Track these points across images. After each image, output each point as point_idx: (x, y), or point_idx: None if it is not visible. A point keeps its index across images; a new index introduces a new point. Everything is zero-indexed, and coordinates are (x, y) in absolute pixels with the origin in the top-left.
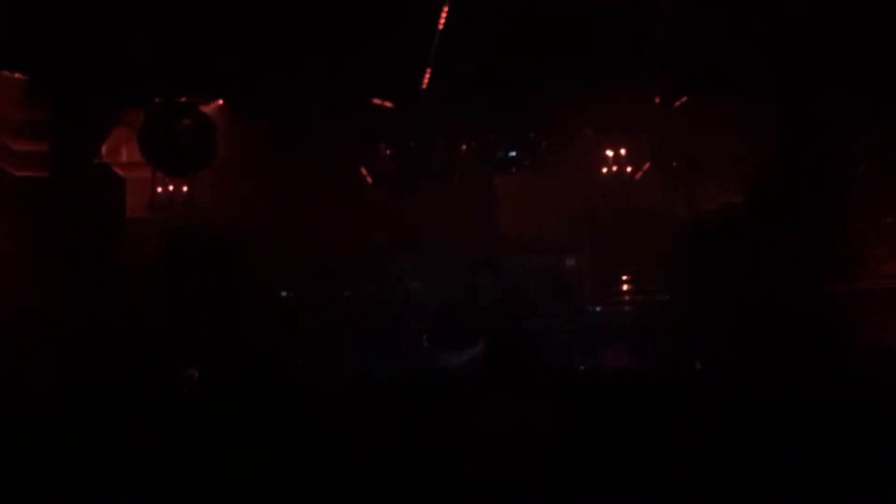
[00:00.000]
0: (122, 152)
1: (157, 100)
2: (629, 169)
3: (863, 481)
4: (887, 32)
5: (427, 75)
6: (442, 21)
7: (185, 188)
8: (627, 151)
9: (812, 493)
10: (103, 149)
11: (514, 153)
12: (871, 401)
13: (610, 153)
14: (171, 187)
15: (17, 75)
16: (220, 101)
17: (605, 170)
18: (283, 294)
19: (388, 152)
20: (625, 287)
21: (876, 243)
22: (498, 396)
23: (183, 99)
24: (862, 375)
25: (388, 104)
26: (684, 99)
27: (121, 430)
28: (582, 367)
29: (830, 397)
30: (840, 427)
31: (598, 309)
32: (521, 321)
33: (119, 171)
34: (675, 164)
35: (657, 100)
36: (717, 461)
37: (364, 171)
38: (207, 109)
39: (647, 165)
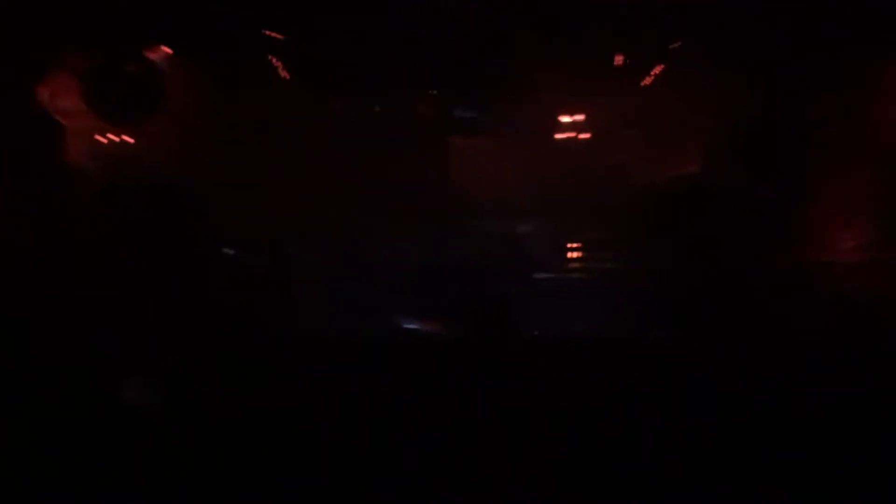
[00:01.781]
0: (64, 98)
1: (102, 44)
2: (590, 134)
3: (825, 456)
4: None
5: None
6: None
7: (129, 139)
8: (588, 116)
9: (773, 465)
10: (44, 94)
11: (473, 114)
12: (830, 374)
13: (571, 118)
14: (116, 137)
15: None
16: (168, 49)
17: (565, 134)
18: (230, 252)
19: (345, 108)
20: (584, 253)
21: (839, 214)
22: (466, 360)
23: (129, 44)
24: (817, 347)
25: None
26: (650, 65)
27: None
28: (536, 333)
29: (787, 369)
30: (798, 398)
31: (556, 275)
32: (486, 285)
33: (60, 119)
34: (633, 131)
35: (621, 64)
36: (675, 431)
37: (321, 126)
38: (154, 56)
39: (608, 131)
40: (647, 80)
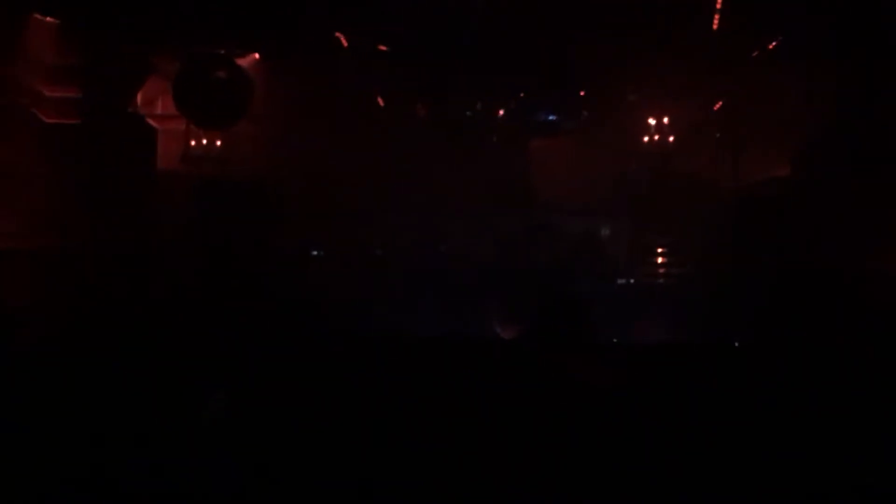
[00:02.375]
0: (156, 103)
1: (193, 51)
2: (672, 137)
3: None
4: None
5: (469, 32)
6: None
7: (218, 142)
8: (672, 119)
9: (851, 469)
10: (137, 98)
11: (555, 116)
12: None
13: (653, 120)
14: (204, 141)
15: (50, 19)
16: (256, 55)
17: (647, 137)
18: (315, 253)
19: (425, 109)
20: (664, 258)
21: None
22: (550, 360)
23: (220, 51)
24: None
25: (430, 58)
26: (733, 67)
27: (140, 382)
28: (615, 340)
29: (871, 378)
30: (879, 409)
31: (634, 280)
32: (569, 285)
33: (152, 122)
34: (718, 134)
35: (705, 68)
36: (754, 439)
37: (401, 127)
38: (243, 62)
39: (691, 134)
40: (734, 83)
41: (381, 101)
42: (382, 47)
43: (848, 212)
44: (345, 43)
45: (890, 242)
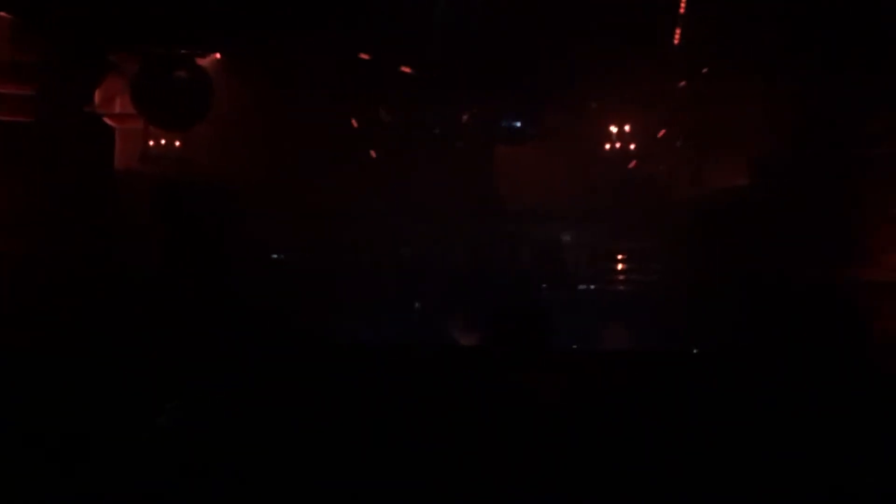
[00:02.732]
0: (115, 102)
1: (152, 50)
2: (634, 145)
3: (862, 475)
4: None
5: (433, 38)
6: None
7: (177, 143)
8: (634, 126)
9: (812, 480)
10: (95, 97)
11: (519, 123)
12: (870, 391)
13: (615, 128)
14: (163, 141)
15: (3, 14)
16: (218, 55)
17: (609, 145)
18: (275, 256)
19: (390, 113)
20: (627, 264)
21: (888, 231)
22: (503, 369)
23: (180, 50)
24: (862, 365)
25: (394, 63)
26: (696, 74)
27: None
28: (575, 347)
29: (831, 385)
30: (840, 417)
31: (597, 286)
32: (532, 292)
33: (110, 121)
34: (679, 142)
35: (668, 75)
36: (715, 447)
37: (364, 131)
38: (204, 63)
39: (653, 141)
40: (694, 92)
41: (345, 104)
42: (352, 51)
43: (810, 219)
44: (309, 44)
45: (852, 248)
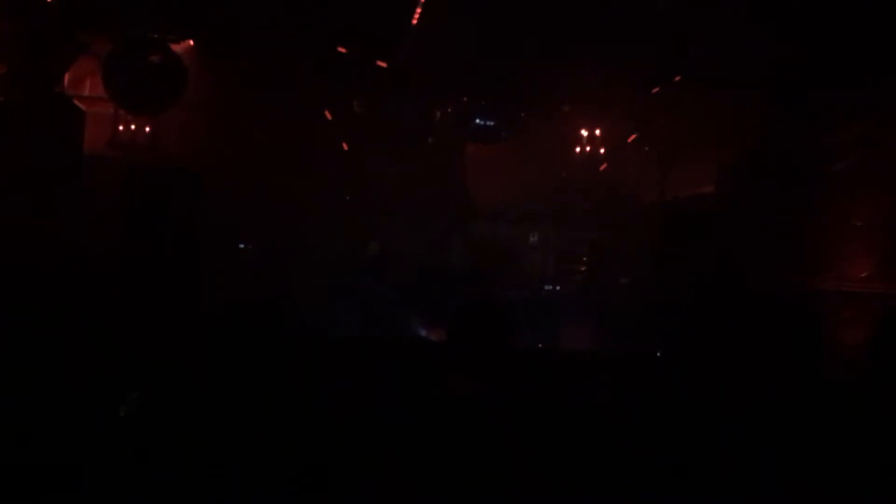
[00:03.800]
0: (85, 85)
1: (125, 32)
2: (603, 150)
3: (817, 477)
4: (878, 26)
5: (409, 32)
6: None
7: (147, 128)
8: (604, 132)
9: (761, 482)
10: (65, 79)
11: (491, 122)
12: (824, 400)
13: (586, 132)
14: (133, 126)
15: None
16: (192, 41)
17: (579, 148)
18: (241, 246)
19: (363, 107)
20: (590, 267)
21: (849, 243)
22: (458, 368)
23: (154, 35)
24: (818, 375)
25: (368, 57)
26: (668, 83)
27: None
28: (540, 346)
29: (783, 393)
30: (791, 423)
31: (559, 287)
32: (488, 292)
33: (80, 105)
34: (646, 148)
35: (640, 82)
36: (669, 448)
37: (337, 124)
38: (177, 48)
39: (622, 147)
40: (665, 98)
41: (319, 95)
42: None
43: (772, 229)
44: (283, 35)
45: (813, 258)
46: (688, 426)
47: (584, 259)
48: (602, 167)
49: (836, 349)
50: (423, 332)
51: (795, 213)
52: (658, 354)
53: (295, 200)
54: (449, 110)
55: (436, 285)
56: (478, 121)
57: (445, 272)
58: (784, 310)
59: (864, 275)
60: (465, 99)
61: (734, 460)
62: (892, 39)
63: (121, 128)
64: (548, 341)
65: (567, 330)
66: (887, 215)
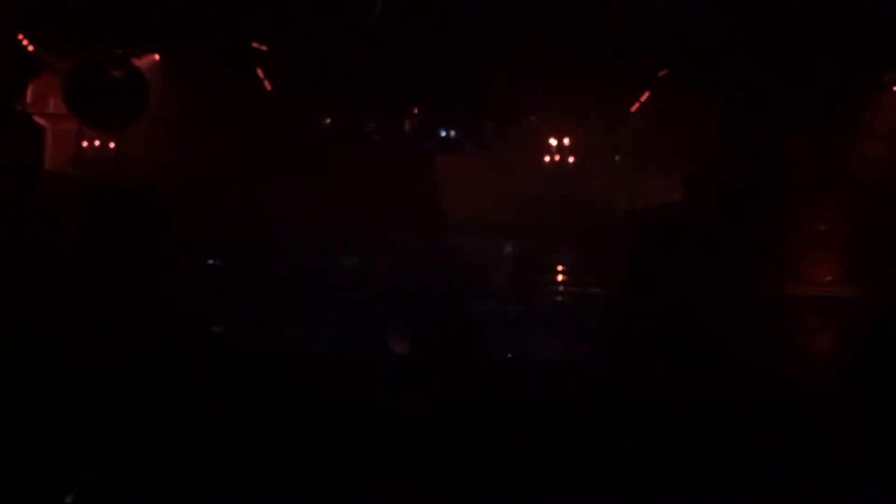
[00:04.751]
0: (47, 101)
1: (87, 48)
2: (572, 159)
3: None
4: (841, 34)
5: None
6: None
7: (111, 144)
8: (572, 141)
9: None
10: (27, 95)
11: (456, 133)
12: (795, 404)
13: (554, 142)
14: (97, 142)
15: None
16: (156, 56)
17: (548, 158)
18: (210, 262)
19: (329, 120)
20: (561, 277)
21: (815, 248)
22: (432, 378)
23: (116, 50)
24: (788, 380)
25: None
26: (637, 94)
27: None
28: (510, 356)
29: (754, 399)
30: (760, 429)
31: (531, 299)
32: (458, 305)
33: (42, 121)
34: (617, 157)
35: (608, 92)
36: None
37: (303, 136)
38: (140, 63)
39: (591, 156)
40: (634, 108)
41: (282, 108)
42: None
43: (739, 235)
44: (247, 47)
45: (779, 263)
46: (663, 431)
47: (556, 269)
48: (572, 177)
49: (803, 351)
50: (393, 345)
51: (763, 220)
52: (630, 365)
53: (264, 214)
54: (415, 120)
55: (407, 298)
56: (442, 132)
57: (413, 284)
58: (751, 316)
59: (828, 279)
60: (432, 109)
61: (716, 462)
62: (857, 47)
63: (85, 144)
64: (517, 352)
65: (537, 340)
66: (851, 220)
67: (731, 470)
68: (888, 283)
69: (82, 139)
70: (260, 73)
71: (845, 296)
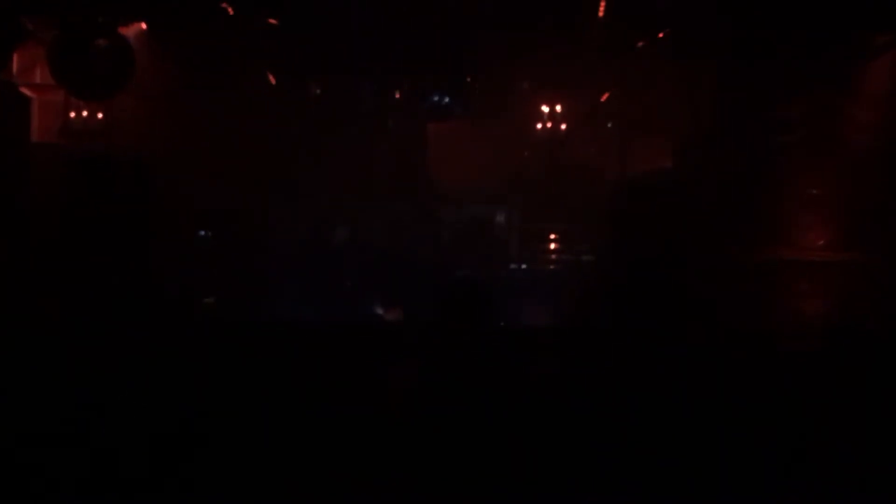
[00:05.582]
0: (35, 72)
1: (70, 16)
2: (564, 126)
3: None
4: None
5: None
6: None
7: (100, 115)
8: (564, 108)
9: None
10: (11, 65)
11: (448, 99)
12: (783, 372)
13: (546, 108)
14: (85, 113)
15: None
16: (143, 25)
17: (540, 125)
18: (202, 233)
19: (318, 90)
20: (553, 245)
21: (804, 213)
22: (432, 347)
23: (99, 18)
24: (777, 345)
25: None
26: (624, 57)
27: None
28: (502, 324)
29: (742, 366)
30: (747, 397)
31: (524, 266)
32: (459, 272)
33: (28, 92)
34: (609, 124)
35: (597, 57)
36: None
37: (292, 105)
38: (127, 32)
39: (582, 123)
40: (621, 73)
41: (272, 78)
42: (273, 21)
43: (730, 200)
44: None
45: (773, 234)
46: (657, 398)
47: (548, 237)
48: (563, 144)
49: (795, 316)
50: (387, 315)
51: (755, 185)
52: (627, 329)
53: (255, 185)
54: (405, 88)
55: (401, 268)
56: (434, 98)
57: (406, 254)
58: (744, 282)
59: (821, 243)
60: (421, 77)
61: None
62: (844, 10)
63: (72, 115)
64: (512, 320)
65: (531, 308)
66: (843, 184)
67: (724, 435)
68: (881, 248)
69: (70, 110)
70: (248, 41)
71: (837, 260)
